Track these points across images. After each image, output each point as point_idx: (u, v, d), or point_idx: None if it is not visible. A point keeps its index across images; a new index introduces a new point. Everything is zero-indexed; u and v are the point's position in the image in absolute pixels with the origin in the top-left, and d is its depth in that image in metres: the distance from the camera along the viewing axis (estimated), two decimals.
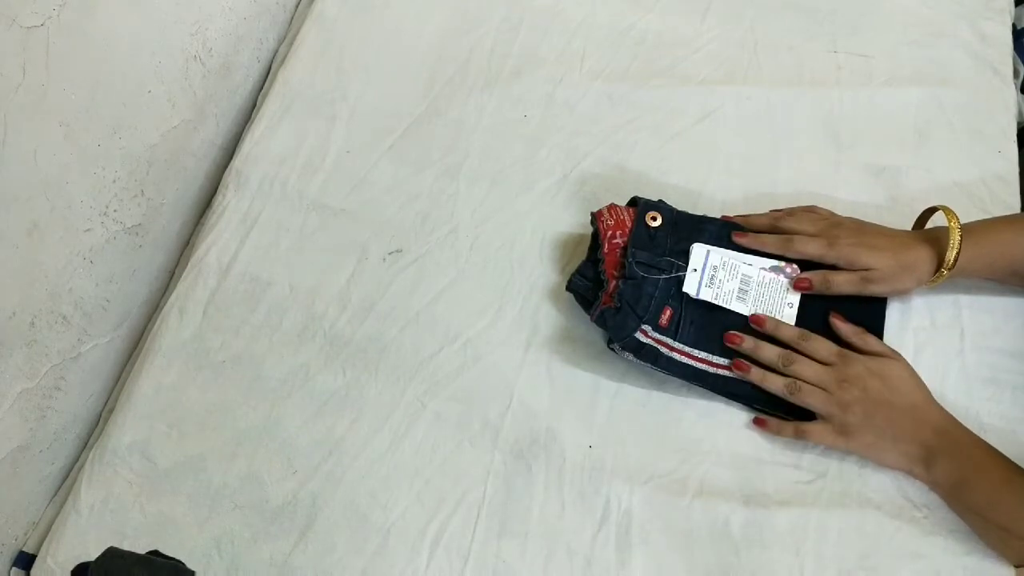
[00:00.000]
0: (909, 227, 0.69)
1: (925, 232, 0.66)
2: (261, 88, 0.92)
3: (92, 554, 0.52)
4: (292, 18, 0.96)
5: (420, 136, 0.83)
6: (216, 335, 0.75)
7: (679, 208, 0.71)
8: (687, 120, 0.81)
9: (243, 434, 0.70)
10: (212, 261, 0.78)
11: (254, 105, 0.91)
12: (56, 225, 0.66)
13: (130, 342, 0.80)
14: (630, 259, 0.66)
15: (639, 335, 0.65)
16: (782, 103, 0.80)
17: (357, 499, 0.67)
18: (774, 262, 0.68)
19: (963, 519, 0.60)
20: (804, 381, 0.63)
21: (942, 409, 0.61)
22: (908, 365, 0.63)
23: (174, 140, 0.79)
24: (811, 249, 0.66)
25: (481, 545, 0.64)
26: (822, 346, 0.64)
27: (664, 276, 0.67)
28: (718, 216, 0.71)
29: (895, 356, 0.64)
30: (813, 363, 0.64)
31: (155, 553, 0.56)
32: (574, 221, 0.77)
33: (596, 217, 0.70)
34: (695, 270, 0.67)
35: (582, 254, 0.72)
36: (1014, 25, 0.84)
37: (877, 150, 0.77)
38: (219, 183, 0.84)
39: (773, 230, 0.69)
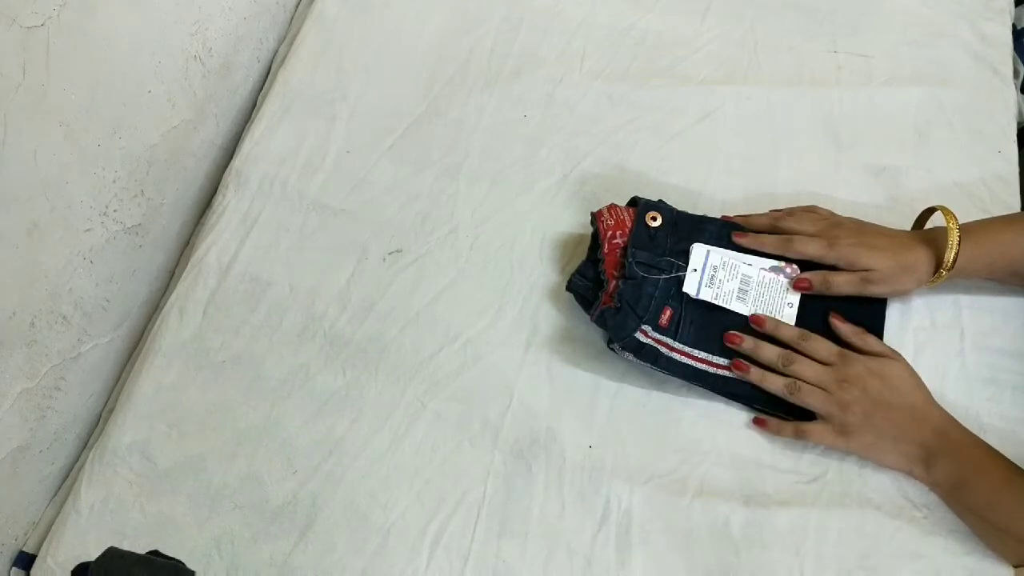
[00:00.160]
0: (909, 227, 0.69)
1: (925, 232, 0.66)
2: (261, 88, 0.92)
3: (92, 554, 0.52)
4: (292, 18, 0.96)
5: (420, 136, 0.83)
6: (216, 335, 0.75)
7: (679, 208, 0.71)
8: (687, 120, 0.81)
9: (243, 434, 0.70)
10: (212, 261, 0.78)
11: (254, 105, 0.91)
12: (56, 225, 0.66)
13: (130, 342, 0.80)
14: (630, 259, 0.66)
15: (639, 335, 0.65)
16: (782, 103, 0.80)
17: (357, 499, 0.67)
18: (774, 262, 0.68)
19: (962, 519, 0.60)
20: (804, 381, 0.63)
21: (942, 409, 0.61)
22: (908, 365, 0.63)
23: (174, 140, 0.79)
24: (811, 249, 0.66)
25: (481, 545, 0.64)
26: (822, 346, 0.64)
27: (664, 276, 0.67)
28: (718, 216, 0.71)
29: (895, 356, 0.64)
30: (813, 363, 0.64)
31: (155, 553, 0.56)
32: (574, 221, 0.77)
33: (596, 217, 0.70)
34: (695, 270, 0.67)
35: (582, 254, 0.72)
36: (1014, 25, 0.84)
37: (877, 150, 0.77)
38: (219, 183, 0.84)
39: (773, 230, 0.69)
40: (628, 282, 0.66)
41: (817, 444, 0.64)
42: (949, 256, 0.61)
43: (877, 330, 0.66)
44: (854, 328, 0.65)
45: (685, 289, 0.67)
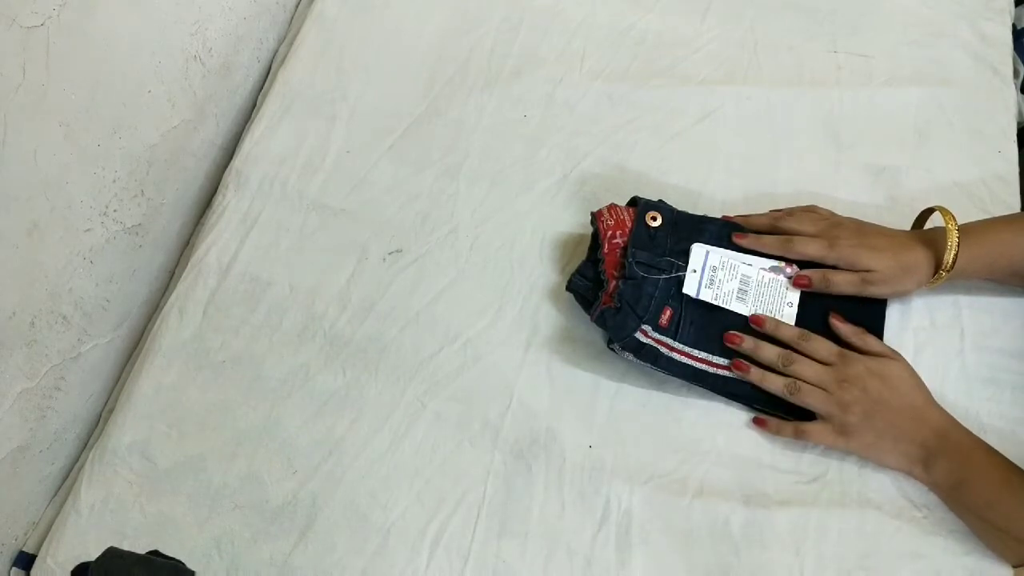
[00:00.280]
0: (909, 227, 0.69)
1: (925, 233, 0.66)
2: (261, 88, 0.92)
3: (92, 554, 0.52)
4: (292, 18, 0.96)
5: (420, 136, 0.83)
6: (216, 335, 0.75)
7: (679, 208, 0.71)
8: (687, 120, 0.81)
9: (243, 434, 0.70)
10: (212, 261, 0.78)
11: (254, 105, 0.91)
12: (56, 225, 0.66)
13: (130, 342, 0.80)
14: (630, 259, 0.66)
15: (639, 335, 0.65)
16: (782, 103, 0.80)
17: (357, 499, 0.67)
18: (774, 262, 0.68)
19: (962, 520, 0.60)
20: (804, 381, 0.63)
21: (942, 410, 0.61)
22: (908, 365, 0.63)
23: (174, 140, 0.79)
24: (811, 250, 0.66)
25: (481, 545, 0.64)
26: (822, 346, 0.64)
27: (664, 276, 0.67)
28: (718, 216, 0.71)
29: (895, 356, 0.64)
30: (813, 363, 0.64)
31: (155, 553, 0.56)
32: (574, 221, 0.77)
33: (596, 217, 0.70)
34: (695, 270, 0.67)
35: (582, 254, 0.72)
36: (1014, 25, 0.84)
37: (877, 150, 0.77)
38: (219, 183, 0.84)
39: (773, 230, 0.69)
40: (628, 282, 0.66)
41: (817, 444, 0.64)
42: (948, 257, 0.61)
43: (877, 330, 0.66)
44: (854, 328, 0.65)
45: (685, 290, 0.67)
